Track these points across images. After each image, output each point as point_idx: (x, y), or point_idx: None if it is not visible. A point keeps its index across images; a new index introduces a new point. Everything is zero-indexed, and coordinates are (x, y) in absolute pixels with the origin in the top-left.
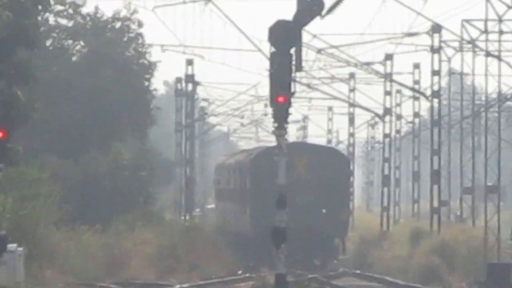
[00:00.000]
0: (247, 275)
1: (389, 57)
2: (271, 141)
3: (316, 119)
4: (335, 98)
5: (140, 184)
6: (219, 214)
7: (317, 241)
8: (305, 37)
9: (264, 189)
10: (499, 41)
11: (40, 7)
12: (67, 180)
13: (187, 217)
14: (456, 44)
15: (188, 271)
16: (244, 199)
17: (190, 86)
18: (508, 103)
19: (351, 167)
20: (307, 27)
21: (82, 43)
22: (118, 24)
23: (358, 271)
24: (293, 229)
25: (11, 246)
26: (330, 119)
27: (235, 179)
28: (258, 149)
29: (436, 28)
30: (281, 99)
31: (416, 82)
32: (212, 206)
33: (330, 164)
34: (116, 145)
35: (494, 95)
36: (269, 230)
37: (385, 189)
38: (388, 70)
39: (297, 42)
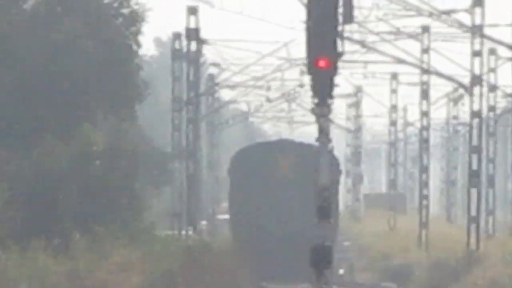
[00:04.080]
0: None
1: (478, 2)
2: (310, 122)
3: (375, 92)
4: (401, 61)
5: (120, 180)
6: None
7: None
8: None
9: (246, 192)
10: None
11: None
12: (14, 180)
13: (190, 233)
14: None
15: None
16: (229, 204)
17: (193, 45)
18: None
19: (341, 168)
20: None
21: None
22: None
23: None
24: (280, 235)
25: None
26: (394, 92)
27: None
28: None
29: None
30: (322, 63)
31: None
32: (225, 216)
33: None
34: (84, 128)
35: None
36: (252, 240)
37: (473, 191)
38: (478, 21)
39: None
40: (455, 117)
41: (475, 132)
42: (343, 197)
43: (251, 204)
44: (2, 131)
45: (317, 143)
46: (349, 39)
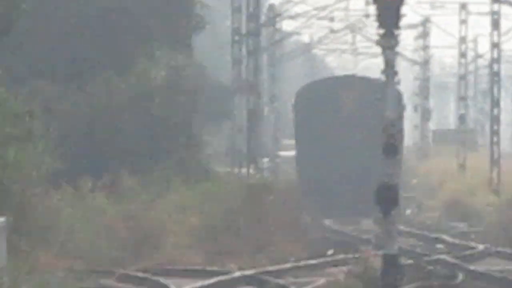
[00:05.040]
0: (341, 256)
1: None
2: (375, 53)
3: (443, 22)
4: None
5: (179, 117)
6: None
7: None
8: None
9: (312, 129)
10: None
11: None
12: (68, 115)
13: (251, 171)
14: None
15: (253, 253)
16: (295, 141)
17: None
18: None
19: (404, 102)
20: None
21: None
22: None
23: (506, 250)
24: (345, 174)
25: None
26: (463, 22)
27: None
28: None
29: None
30: None
31: None
32: (289, 153)
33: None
34: (141, 63)
35: None
36: (317, 180)
37: None
38: None
39: None
40: None
41: None
42: (411, 133)
43: (317, 141)
44: (59, 67)
45: (382, 76)
46: None
